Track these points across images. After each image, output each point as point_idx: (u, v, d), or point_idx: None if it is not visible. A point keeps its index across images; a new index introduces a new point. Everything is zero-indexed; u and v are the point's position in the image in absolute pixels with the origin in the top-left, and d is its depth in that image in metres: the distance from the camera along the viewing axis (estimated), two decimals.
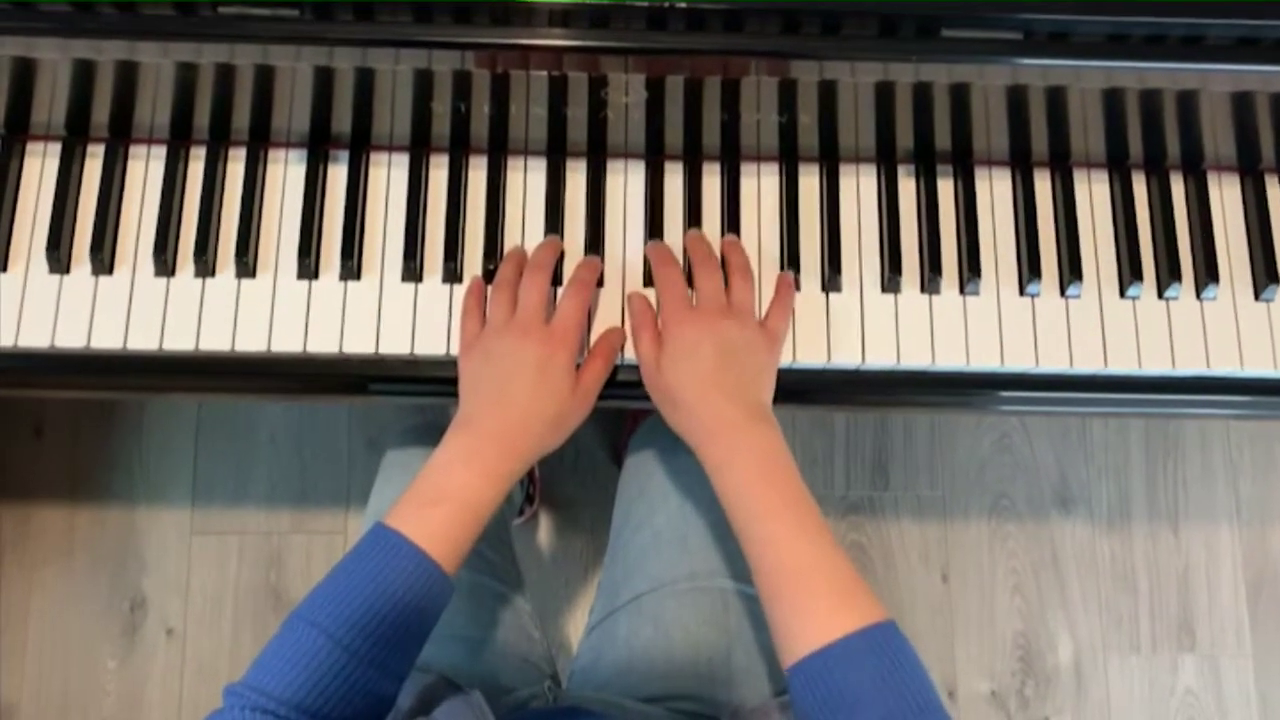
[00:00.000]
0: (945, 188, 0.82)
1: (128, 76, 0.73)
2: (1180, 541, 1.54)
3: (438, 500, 0.67)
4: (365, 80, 0.73)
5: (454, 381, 0.75)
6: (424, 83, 0.73)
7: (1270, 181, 0.83)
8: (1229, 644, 1.51)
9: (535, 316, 0.73)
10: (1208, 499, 1.55)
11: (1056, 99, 0.75)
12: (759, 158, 0.82)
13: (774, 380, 0.74)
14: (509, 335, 0.72)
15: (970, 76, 0.72)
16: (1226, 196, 0.82)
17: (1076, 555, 1.53)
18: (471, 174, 0.81)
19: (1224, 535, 1.54)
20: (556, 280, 0.78)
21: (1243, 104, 0.75)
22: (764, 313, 0.77)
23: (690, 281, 0.77)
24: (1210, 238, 0.81)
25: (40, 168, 0.79)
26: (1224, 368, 0.79)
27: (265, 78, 0.73)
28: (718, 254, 0.78)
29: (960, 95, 0.74)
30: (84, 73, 0.72)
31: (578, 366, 0.74)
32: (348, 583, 0.63)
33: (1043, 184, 0.82)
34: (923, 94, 0.74)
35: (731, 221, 0.80)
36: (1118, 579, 1.52)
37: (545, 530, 1.51)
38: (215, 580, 1.47)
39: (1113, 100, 0.75)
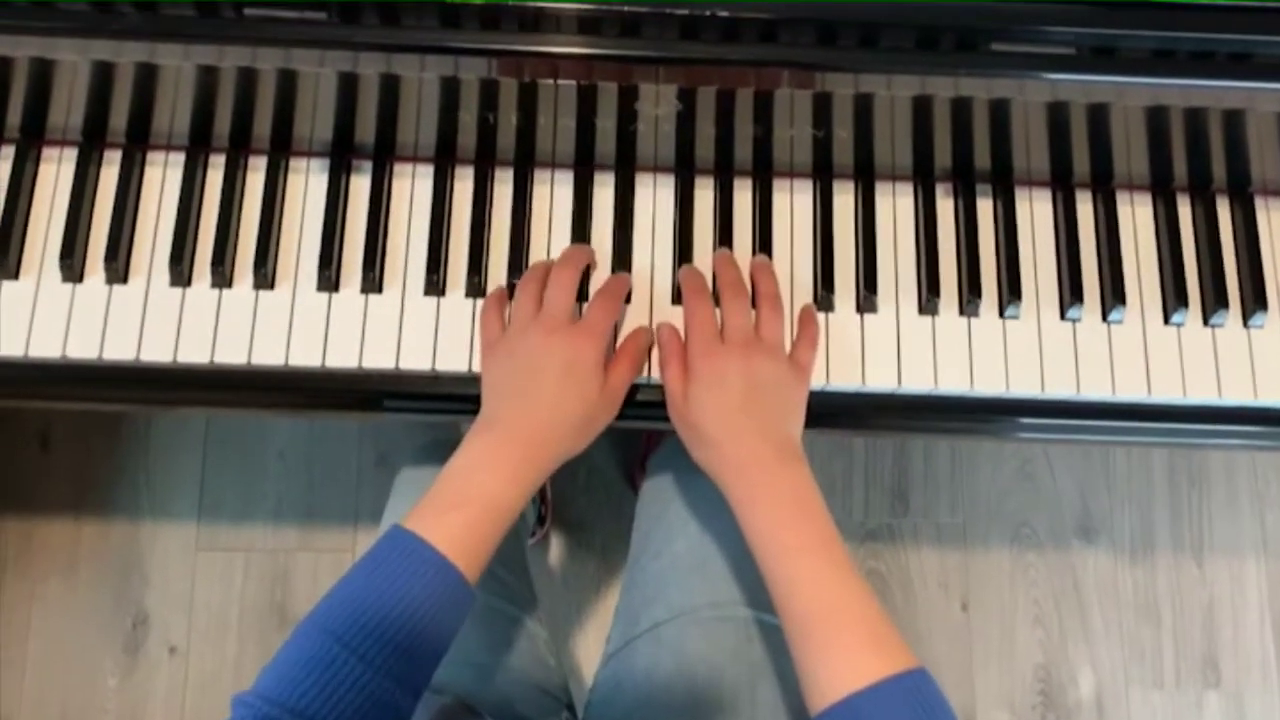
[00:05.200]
0: (985, 208, 0.80)
1: (147, 80, 0.71)
2: (1205, 573, 1.51)
3: (459, 504, 0.64)
4: (390, 87, 0.71)
5: (475, 399, 0.72)
6: (450, 91, 0.72)
7: None
8: (1255, 680, 1.48)
9: (562, 314, 0.70)
10: (1233, 530, 1.52)
11: (1099, 117, 0.73)
12: (792, 174, 0.80)
13: (803, 416, 0.71)
14: (534, 333, 0.69)
15: (1011, 92, 0.70)
16: (1275, 221, 0.80)
17: (1099, 586, 1.50)
18: (497, 187, 0.79)
19: (1250, 568, 1.51)
20: (582, 297, 0.75)
21: None
22: (790, 346, 0.74)
23: (717, 301, 0.75)
24: (1258, 264, 0.79)
25: (55, 174, 0.77)
26: (1272, 398, 0.76)
27: (288, 83, 0.71)
28: (746, 275, 0.76)
29: (1000, 112, 0.73)
30: (102, 76, 0.71)
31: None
32: (364, 587, 0.60)
33: (1085, 206, 0.80)
34: (962, 110, 0.72)
35: (763, 240, 0.78)
36: (1140, 611, 1.49)
37: (556, 552, 1.48)
38: (220, 597, 1.45)
39: (1157, 119, 0.73)
